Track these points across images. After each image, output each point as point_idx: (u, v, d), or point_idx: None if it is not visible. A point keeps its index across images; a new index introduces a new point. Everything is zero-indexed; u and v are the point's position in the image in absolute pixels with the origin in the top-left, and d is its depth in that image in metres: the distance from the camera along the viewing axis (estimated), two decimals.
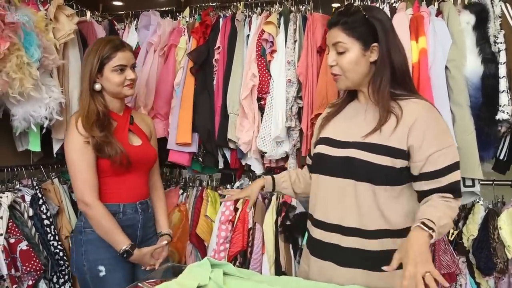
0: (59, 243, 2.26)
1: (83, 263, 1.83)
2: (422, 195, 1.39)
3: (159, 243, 1.94)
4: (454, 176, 1.36)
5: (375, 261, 1.38)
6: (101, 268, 1.80)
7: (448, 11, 2.09)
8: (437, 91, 2.01)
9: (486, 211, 2.14)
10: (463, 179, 2.02)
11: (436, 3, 2.20)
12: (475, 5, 2.08)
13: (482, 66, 1.99)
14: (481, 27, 2.03)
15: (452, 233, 2.18)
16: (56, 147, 2.31)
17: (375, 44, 1.40)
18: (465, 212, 2.22)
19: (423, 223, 1.22)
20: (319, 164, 1.53)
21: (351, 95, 1.56)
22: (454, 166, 1.37)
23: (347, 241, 1.43)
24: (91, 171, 1.80)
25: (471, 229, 2.13)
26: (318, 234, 1.50)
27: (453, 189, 1.36)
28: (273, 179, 1.76)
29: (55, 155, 2.33)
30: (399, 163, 1.38)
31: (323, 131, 1.57)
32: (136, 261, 1.83)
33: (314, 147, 1.59)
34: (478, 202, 2.16)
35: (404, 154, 1.38)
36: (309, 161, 1.72)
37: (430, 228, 1.21)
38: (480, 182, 2.06)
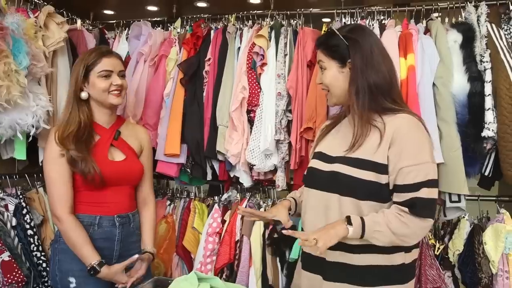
0: (43, 253, 2.22)
1: (56, 273, 1.80)
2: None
3: (130, 258, 1.81)
4: (421, 193, 1.35)
5: (359, 276, 1.41)
6: (72, 279, 1.76)
7: (436, 30, 2.13)
8: (425, 108, 2.04)
9: (472, 226, 2.16)
10: (450, 195, 2.06)
11: (424, 21, 2.25)
12: (462, 24, 2.13)
13: (469, 84, 2.03)
14: (467, 46, 2.07)
15: (438, 248, 2.20)
16: (42, 156, 2.27)
17: (349, 60, 1.46)
18: (451, 227, 2.25)
19: (348, 217, 1.36)
20: (310, 178, 1.57)
21: (342, 113, 1.63)
22: (425, 184, 1.36)
23: (331, 255, 1.45)
24: (65, 184, 1.76)
25: (457, 244, 2.15)
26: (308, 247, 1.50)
27: (412, 204, 1.35)
28: (295, 200, 1.70)
29: (40, 164, 2.29)
30: (384, 178, 1.40)
31: (319, 146, 1.62)
32: (106, 279, 1.75)
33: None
34: (463, 217, 2.18)
35: (386, 168, 1.40)
36: None
37: (349, 223, 1.35)
38: (466, 198, 2.08)
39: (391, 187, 1.40)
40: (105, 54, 1.83)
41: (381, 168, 1.39)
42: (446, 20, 2.26)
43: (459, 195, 2.05)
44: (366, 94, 1.43)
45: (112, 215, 1.84)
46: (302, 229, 1.57)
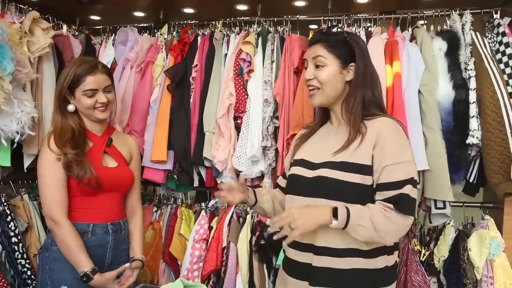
0: (27, 261, 2.19)
1: (47, 282, 1.79)
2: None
3: (122, 266, 1.85)
4: (405, 190, 1.38)
5: (345, 280, 1.42)
6: None
7: (421, 37, 2.15)
8: (410, 115, 2.05)
9: (457, 232, 2.17)
10: (435, 201, 2.07)
11: (410, 29, 2.26)
12: (447, 32, 2.15)
13: (454, 91, 2.05)
14: (452, 54, 2.09)
15: (424, 254, 2.21)
16: (27, 162, 2.25)
17: (352, 64, 1.48)
18: (436, 233, 2.26)
19: (335, 209, 1.35)
20: (293, 185, 1.57)
21: (324, 117, 1.63)
22: (408, 182, 1.39)
23: (318, 260, 1.45)
24: (61, 188, 1.78)
25: (442, 250, 2.16)
26: (293, 254, 1.53)
27: (397, 200, 1.37)
28: (254, 192, 1.71)
29: (25, 170, 2.26)
30: (369, 179, 1.42)
31: (298, 153, 1.62)
32: (99, 287, 1.76)
33: (289, 169, 1.63)
34: (449, 223, 2.19)
35: (371, 170, 1.42)
36: (282, 182, 1.75)
37: (335, 216, 1.34)
38: (451, 204, 2.09)
39: (374, 186, 1.42)
40: (90, 70, 1.83)
41: (366, 170, 1.41)
42: (432, 28, 2.28)
43: (444, 202, 2.06)
44: (361, 102, 1.48)
45: (106, 222, 1.86)
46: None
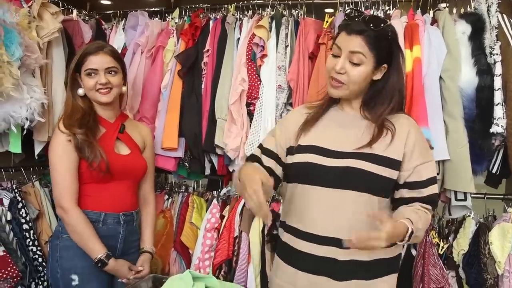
0: (39, 248, 2.19)
1: (57, 270, 1.77)
2: (400, 202, 1.43)
3: (139, 261, 1.87)
4: (433, 189, 1.43)
5: (368, 272, 1.42)
6: (74, 277, 1.73)
7: (443, 20, 2.06)
8: (431, 102, 1.98)
9: (477, 225, 2.10)
10: (455, 192, 2.00)
11: (431, 12, 2.16)
12: (471, 14, 2.05)
13: (477, 77, 1.96)
14: (477, 38, 2.00)
15: (442, 247, 2.14)
16: (37, 149, 2.22)
17: (385, 65, 1.40)
18: (455, 226, 2.19)
19: (409, 220, 1.30)
20: (310, 174, 1.44)
21: (332, 100, 1.52)
22: (434, 180, 1.44)
23: (344, 254, 1.39)
24: (71, 174, 1.75)
25: (462, 244, 2.09)
26: (307, 247, 1.43)
27: (432, 201, 1.44)
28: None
29: (36, 157, 2.25)
30: (395, 174, 1.41)
31: (305, 138, 1.48)
32: (112, 272, 1.75)
33: (290, 154, 1.48)
34: (469, 216, 2.12)
35: (400, 165, 1.41)
36: (269, 162, 1.50)
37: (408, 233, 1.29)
38: (472, 196, 2.02)
39: (401, 183, 1.42)
40: (93, 51, 1.80)
41: (395, 164, 1.40)
42: (454, 10, 2.17)
43: (465, 193, 2.00)
44: (389, 106, 1.44)
45: (118, 212, 1.83)
46: (296, 228, 1.46)
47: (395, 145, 1.41)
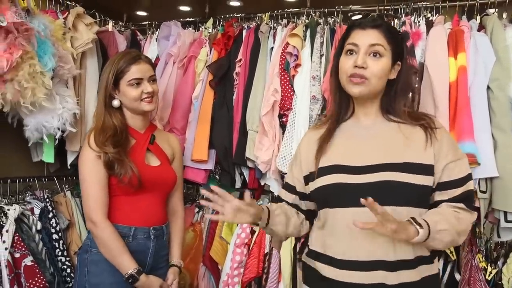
0: (67, 259, 2.18)
1: (85, 285, 1.74)
2: (433, 206, 1.35)
3: (168, 275, 1.85)
4: (470, 186, 1.35)
5: None
6: None
7: (492, 26, 1.91)
8: (478, 114, 1.84)
9: None
10: (505, 213, 1.82)
11: (478, 17, 2.01)
12: None
13: None
14: None
15: (490, 272, 1.96)
16: (70, 159, 2.25)
17: (399, 62, 1.38)
18: (505, 249, 2.01)
19: (413, 218, 1.23)
20: (338, 195, 1.34)
21: (339, 113, 1.46)
22: (469, 178, 1.36)
23: (393, 277, 1.27)
24: (102, 188, 1.72)
25: None
26: (352, 276, 1.30)
27: (466, 198, 1.33)
28: (268, 211, 1.42)
29: (69, 167, 2.26)
30: (431, 180, 1.32)
31: (324, 159, 1.39)
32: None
33: (312, 180, 1.41)
34: None
35: (433, 169, 1.33)
36: (290, 197, 1.51)
37: (418, 224, 1.21)
38: None
39: (434, 186, 1.33)
40: (134, 61, 1.79)
41: (430, 170, 1.32)
42: (504, 15, 2.01)
43: None
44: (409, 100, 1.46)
45: (148, 226, 1.79)
46: (332, 258, 1.34)
47: (425, 148, 1.33)
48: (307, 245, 1.50)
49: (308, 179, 1.44)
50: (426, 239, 1.23)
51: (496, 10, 2.06)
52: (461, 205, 1.31)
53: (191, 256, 2.35)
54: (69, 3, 2.35)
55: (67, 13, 2.22)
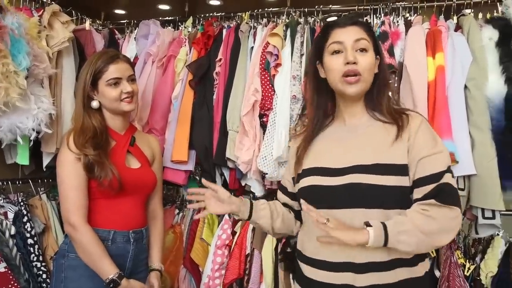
0: (43, 264, 2.10)
1: None
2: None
3: (149, 280, 1.81)
4: (445, 179, 1.26)
5: None
6: None
7: (468, 26, 1.95)
8: (455, 112, 1.88)
9: (507, 245, 1.98)
10: (482, 210, 1.86)
11: (455, 17, 2.05)
12: (498, 19, 1.95)
13: (506, 86, 1.85)
14: (505, 44, 1.89)
15: (468, 268, 2.00)
16: (46, 161, 2.18)
17: (378, 56, 1.38)
18: (483, 246, 2.05)
19: (366, 222, 1.23)
20: (313, 197, 1.36)
21: (322, 115, 1.46)
22: (445, 172, 1.28)
23: (362, 280, 1.27)
24: (81, 190, 1.67)
25: (490, 265, 1.95)
26: (323, 276, 1.32)
27: (437, 193, 1.24)
28: (251, 204, 1.49)
29: (45, 169, 2.20)
30: (406, 180, 1.29)
31: (305, 162, 1.42)
32: None
33: (297, 181, 1.44)
34: (498, 235, 1.99)
35: (407, 169, 1.29)
36: (283, 197, 1.57)
37: (368, 225, 1.21)
38: (501, 213, 1.88)
39: (410, 184, 1.29)
40: (112, 60, 1.75)
41: (404, 169, 1.29)
42: (480, 15, 2.05)
43: (493, 211, 1.86)
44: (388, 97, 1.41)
45: (128, 230, 1.75)
46: (309, 258, 1.38)
47: (398, 147, 1.30)
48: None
49: (294, 180, 1.48)
50: (386, 242, 1.21)
51: (472, 10, 2.11)
52: (432, 201, 1.25)
53: (171, 259, 2.31)
54: (45, 0, 2.30)
55: (42, 10, 2.15)
